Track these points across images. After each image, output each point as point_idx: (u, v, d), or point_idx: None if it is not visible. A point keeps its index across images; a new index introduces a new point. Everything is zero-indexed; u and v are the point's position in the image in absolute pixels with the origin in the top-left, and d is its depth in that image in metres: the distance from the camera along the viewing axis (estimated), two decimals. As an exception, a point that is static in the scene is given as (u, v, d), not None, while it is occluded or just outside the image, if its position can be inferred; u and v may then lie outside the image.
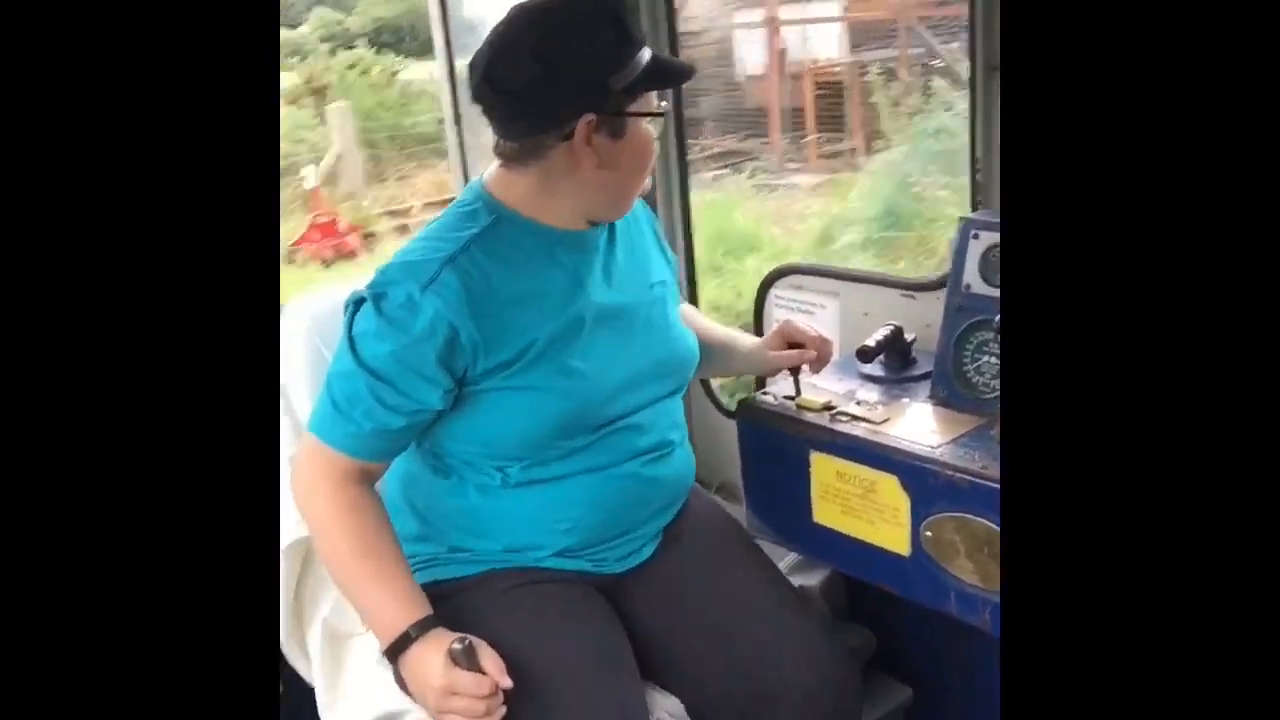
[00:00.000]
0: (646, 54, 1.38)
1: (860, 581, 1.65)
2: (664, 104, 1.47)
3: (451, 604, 1.42)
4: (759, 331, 2.06)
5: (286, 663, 1.64)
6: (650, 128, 1.43)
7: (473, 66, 1.38)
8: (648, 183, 1.49)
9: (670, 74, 1.47)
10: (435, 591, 1.42)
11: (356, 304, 1.39)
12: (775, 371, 1.73)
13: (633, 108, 1.39)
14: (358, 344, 1.36)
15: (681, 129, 2.21)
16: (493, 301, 1.37)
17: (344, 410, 1.36)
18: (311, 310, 1.67)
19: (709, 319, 1.83)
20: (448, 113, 2.14)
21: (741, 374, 1.81)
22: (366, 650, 1.57)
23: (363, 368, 1.35)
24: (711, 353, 1.69)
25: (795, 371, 1.68)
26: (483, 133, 1.49)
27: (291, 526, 1.57)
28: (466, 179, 2.14)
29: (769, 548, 1.67)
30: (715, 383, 2.26)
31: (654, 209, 2.13)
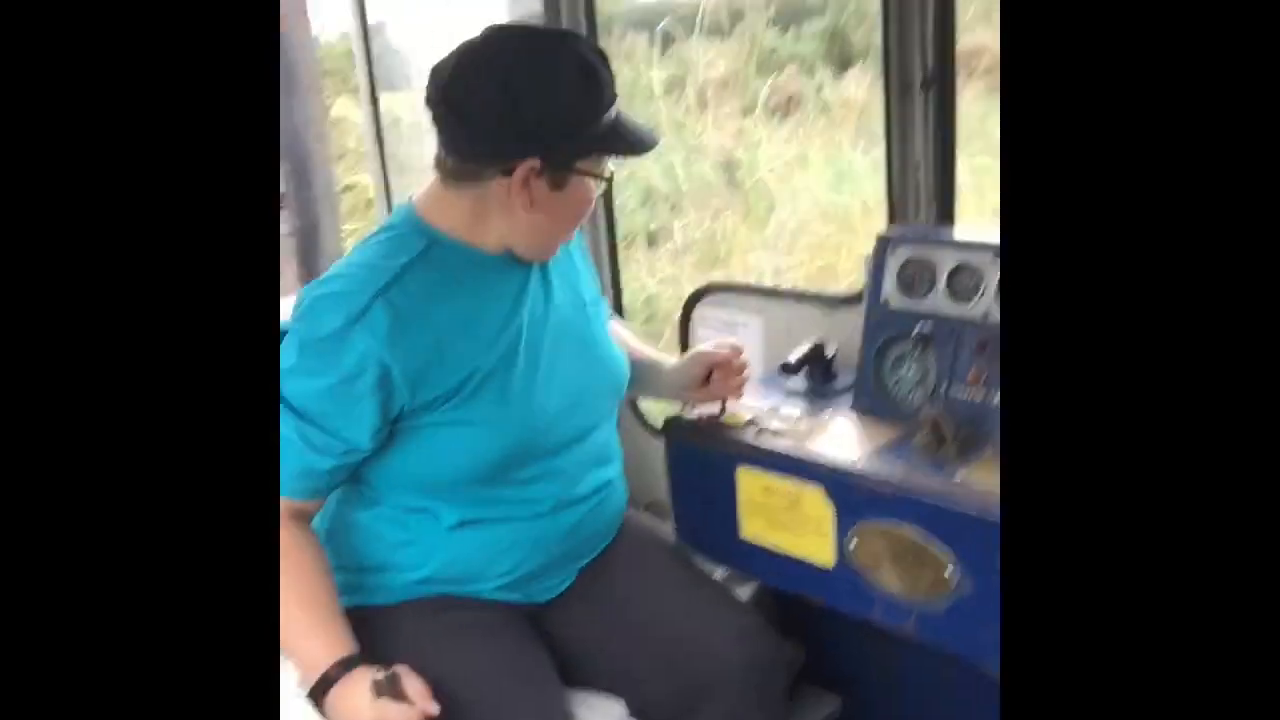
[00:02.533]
0: (613, 114, 1.34)
1: (789, 594, 1.67)
2: (610, 167, 1.42)
3: (369, 628, 1.40)
4: (685, 347, 2.08)
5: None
6: (592, 186, 1.39)
7: (435, 72, 1.33)
8: (573, 234, 1.47)
9: (633, 143, 1.38)
10: (353, 616, 1.40)
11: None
12: (699, 399, 1.73)
13: (580, 164, 1.35)
14: (282, 381, 1.31)
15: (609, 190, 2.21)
16: (428, 334, 1.33)
17: None
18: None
19: (635, 339, 1.84)
20: (369, 136, 2.12)
21: (665, 399, 1.81)
22: (286, 683, 1.54)
23: (289, 408, 1.31)
24: (638, 374, 1.69)
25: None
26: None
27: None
28: (389, 202, 2.13)
29: (700, 565, 1.68)
30: (642, 401, 2.27)
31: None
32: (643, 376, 1.73)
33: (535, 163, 1.31)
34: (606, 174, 1.40)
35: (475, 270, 1.41)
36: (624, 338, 1.76)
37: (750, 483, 1.60)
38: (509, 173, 1.33)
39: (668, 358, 1.78)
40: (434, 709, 1.27)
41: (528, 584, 1.51)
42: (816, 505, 1.52)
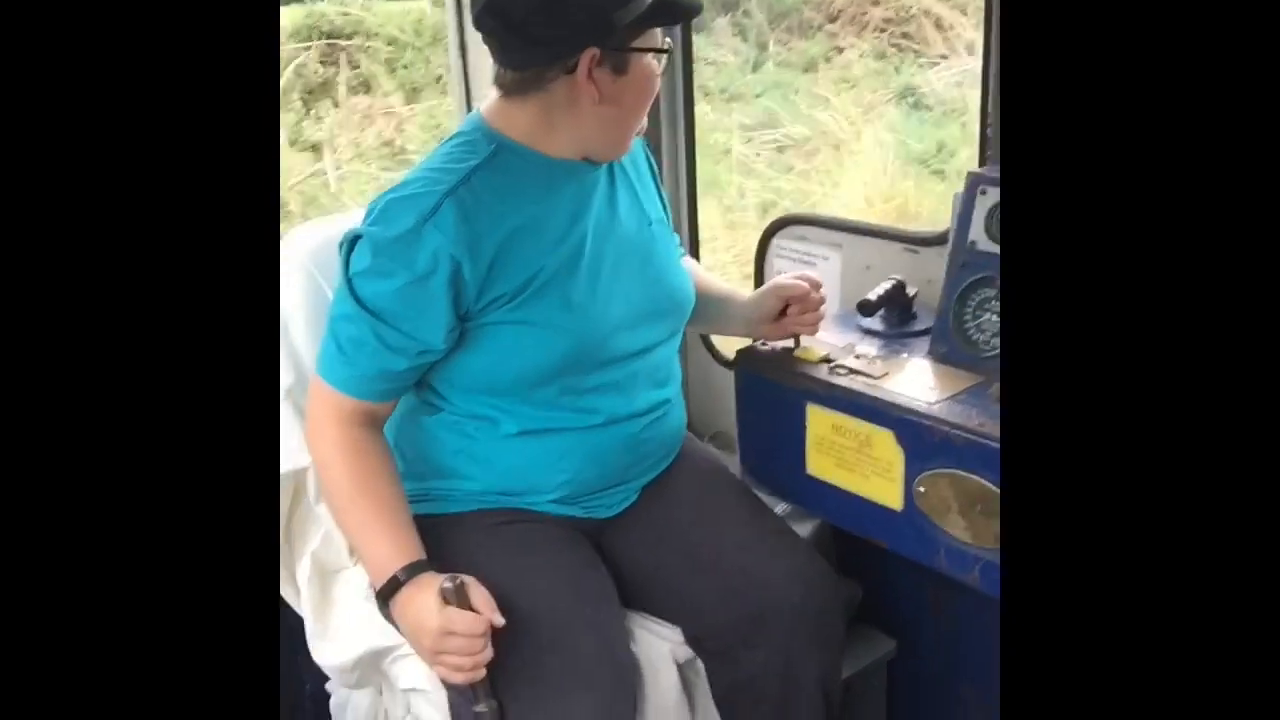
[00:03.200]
0: None
1: (849, 534, 1.66)
2: (668, 40, 1.44)
3: (437, 537, 1.42)
4: (760, 281, 2.05)
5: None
6: (654, 64, 1.40)
7: None
8: (644, 122, 1.46)
9: (678, 10, 1.42)
10: (422, 525, 1.42)
11: (352, 242, 1.36)
12: (773, 335, 1.70)
13: (637, 43, 1.36)
14: (357, 284, 1.34)
15: (689, 65, 2.16)
16: (495, 233, 1.35)
17: (348, 353, 1.35)
18: (309, 241, 1.65)
19: (707, 274, 1.82)
20: (452, 40, 2.09)
21: (736, 333, 1.79)
22: (355, 584, 1.58)
23: (364, 309, 1.33)
24: (707, 304, 1.67)
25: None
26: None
27: (279, 459, 1.57)
28: (469, 103, 2.11)
29: (762, 499, 1.67)
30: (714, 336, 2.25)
31: (656, 150, 2.11)
32: (715, 311, 1.71)
33: (594, 52, 1.32)
34: (666, 46, 1.41)
35: (542, 175, 1.42)
36: (695, 271, 1.74)
37: (820, 420, 1.58)
38: (571, 70, 1.33)
39: (741, 291, 1.76)
40: (499, 620, 1.29)
41: (586, 498, 1.52)
42: (886, 448, 1.49)
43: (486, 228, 1.34)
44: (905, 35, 6.32)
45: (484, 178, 1.37)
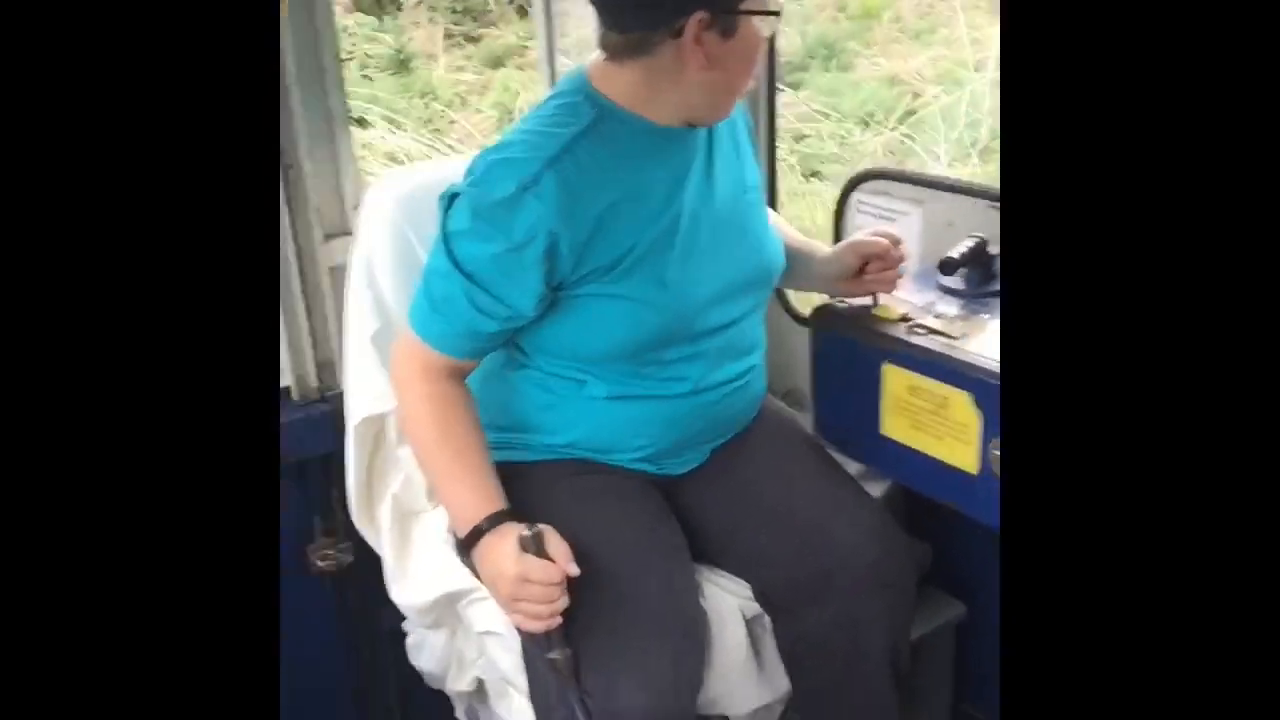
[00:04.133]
0: None
1: (922, 497, 1.65)
2: (780, 2, 1.40)
3: (516, 484, 1.45)
4: (838, 236, 2.03)
5: (357, 534, 1.70)
6: (760, 25, 1.37)
7: None
8: (751, 84, 1.44)
9: None
10: (500, 472, 1.44)
11: (451, 199, 1.37)
12: (851, 293, 1.69)
13: (746, 4, 1.32)
14: (453, 243, 1.35)
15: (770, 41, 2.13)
16: (594, 206, 1.34)
17: (440, 309, 1.37)
18: (395, 190, 1.67)
19: (788, 226, 1.80)
20: (539, 12, 2.06)
21: (815, 289, 1.78)
22: (433, 527, 1.62)
23: (459, 269, 1.34)
24: (789, 263, 1.66)
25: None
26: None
27: (363, 404, 1.61)
28: (552, 66, 2.10)
29: (833, 457, 1.67)
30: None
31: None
32: (794, 267, 1.70)
33: (703, 15, 1.29)
34: (776, 8, 1.37)
35: (644, 144, 1.40)
36: (776, 223, 1.72)
37: (896, 380, 1.56)
38: (678, 34, 1.30)
39: (821, 246, 1.74)
40: (574, 570, 1.31)
41: (663, 459, 1.54)
42: (964, 411, 1.48)
43: (586, 201, 1.33)
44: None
45: (586, 146, 1.35)
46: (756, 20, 1.35)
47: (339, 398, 1.71)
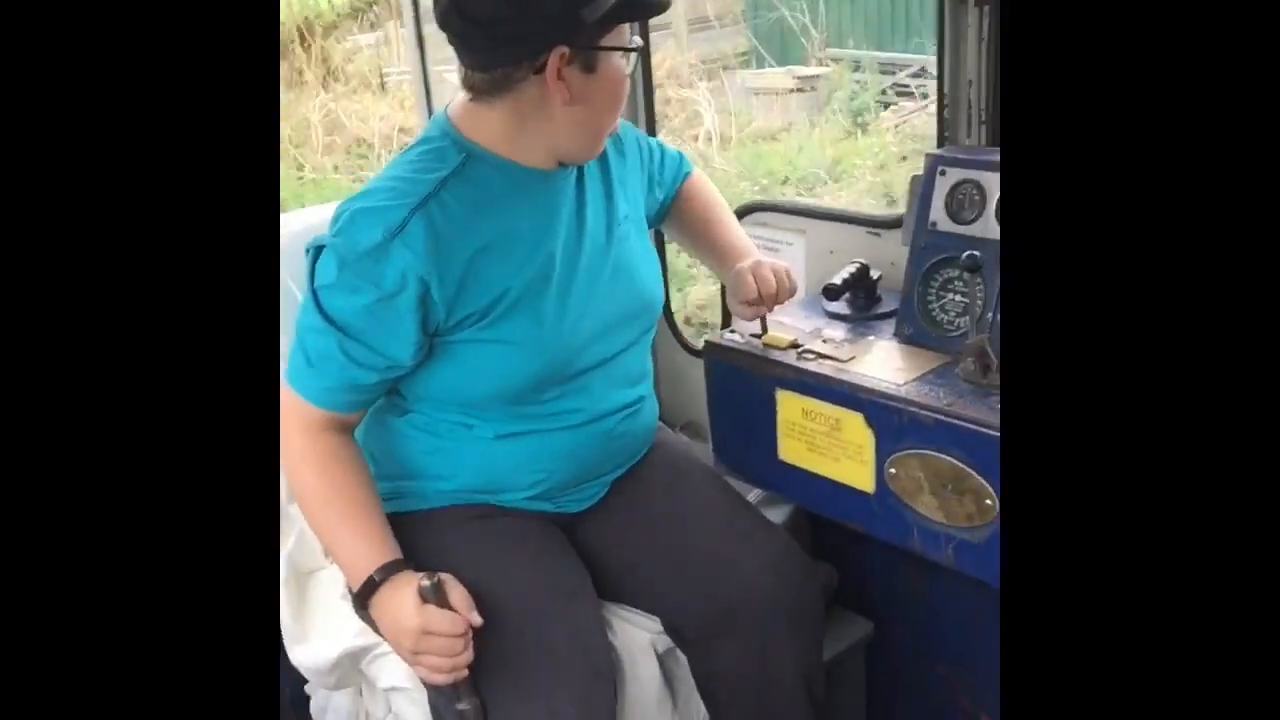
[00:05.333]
0: None
1: (824, 519, 1.67)
2: (637, 39, 1.42)
3: (410, 535, 1.42)
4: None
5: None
6: (623, 63, 1.38)
7: None
8: (618, 122, 1.45)
9: (645, 6, 1.40)
10: (393, 523, 1.41)
11: (317, 251, 1.34)
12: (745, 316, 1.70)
13: (605, 40, 1.34)
14: (323, 297, 1.32)
15: (648, 65, 2.16)
16: (464, 250, 1.33)
17: (315, 365, 1.34)
18: (309, 222, 1.62)
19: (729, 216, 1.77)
20: (410, 37, 2.06)
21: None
22: (331, 584, 1.57)
23: (331, 323, 1.31)
24: (710, 254, 1.69)
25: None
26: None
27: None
28: (430, 111, 2.09)
29: (736, 487, 1.68)
30: (680, 321, 2.25)
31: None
32: (711, 260, 1.72)
33: (563, 50, 1.30)
34: (635, 44, 1.39)
35: (512, 187, 1.39)
36: (717, 214, 1.73)
37: (790, 405, 1.59)
38: (540, 70, 1.31)
39: (726, 254, 1.68)
40: (477, 620, 1.29)
41: (558, 495, 1.53)
42: (857, 431, 1.50)
43: (456, 246, 1.32)
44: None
45: (454, 190, 1.34)
46: (618, 57, 1.36)
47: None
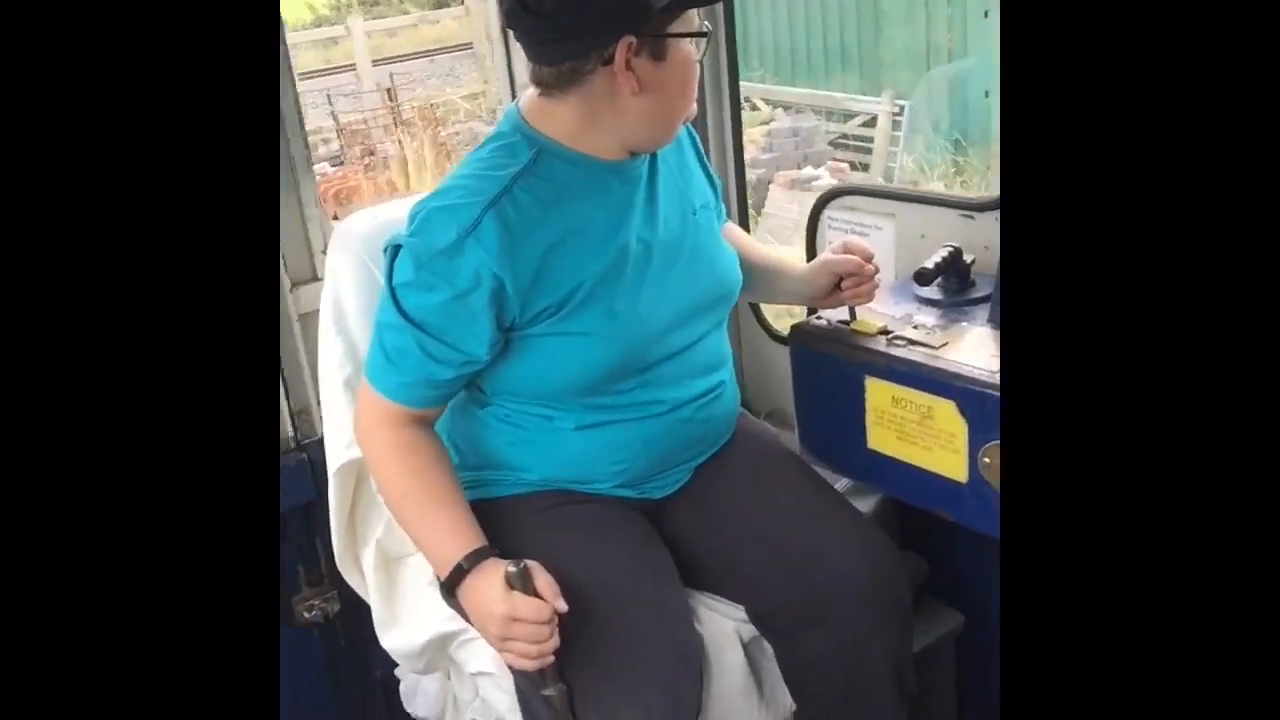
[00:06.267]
0: None
1: (913, 508, 1.64)
2: (706, 23, 1.40)
3: (496, 522, 1.42)
4: (812, 253, 2.02)
5: (343, 581, 1.66)
6: (692, 48, 1.36)
7: None
8: (694, 109, 1.44)
9: None
10: (478, 511, 1.42)
11: (395, 250, 1.35)
12: (828, 307, 1.68)
13: (673, 27, 1.32)
14: (400, 295, 1.33)
15: (733, 48, 2.14)
16: (536, 246, 1.33)
17: (395, 361, 1.36)
18: (361, 229, 1.65)
19: (757, 244, 1.79)
20: (494, 29, 2.07)
21: (789, 303, 1.76)
22: (420, 571, 1.59)
23: (409, 321, 1.33)
24: (757, 278, 1.65)
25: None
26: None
27: (340, 450, 1.58)
28: (514, 92, 2.10)
29: (820, 475, 1.65)
30: (766, 307, 2.22)
31: (703, 134, 2.08)
32: (765, 283, 1.69)
33: (630, 40, 1.29)
34: (704, 29, 1.37)
35: (583, 179, 1.39)
36: (743, 241, 1.72)
37: (879, 393, 1.55)
38: (608, 61, 1.30)
39: (792, 263, 1.74)
40: (563, 606, 1.29)
41: (641, 482, 1.52)
42: (949, 419, 1.47)
43: (529, 241, 1.32)
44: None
45: (526, 185, 1.34)
46: (687, 43, 1.35)
47: (316, 445, 1.68)
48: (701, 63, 1.40)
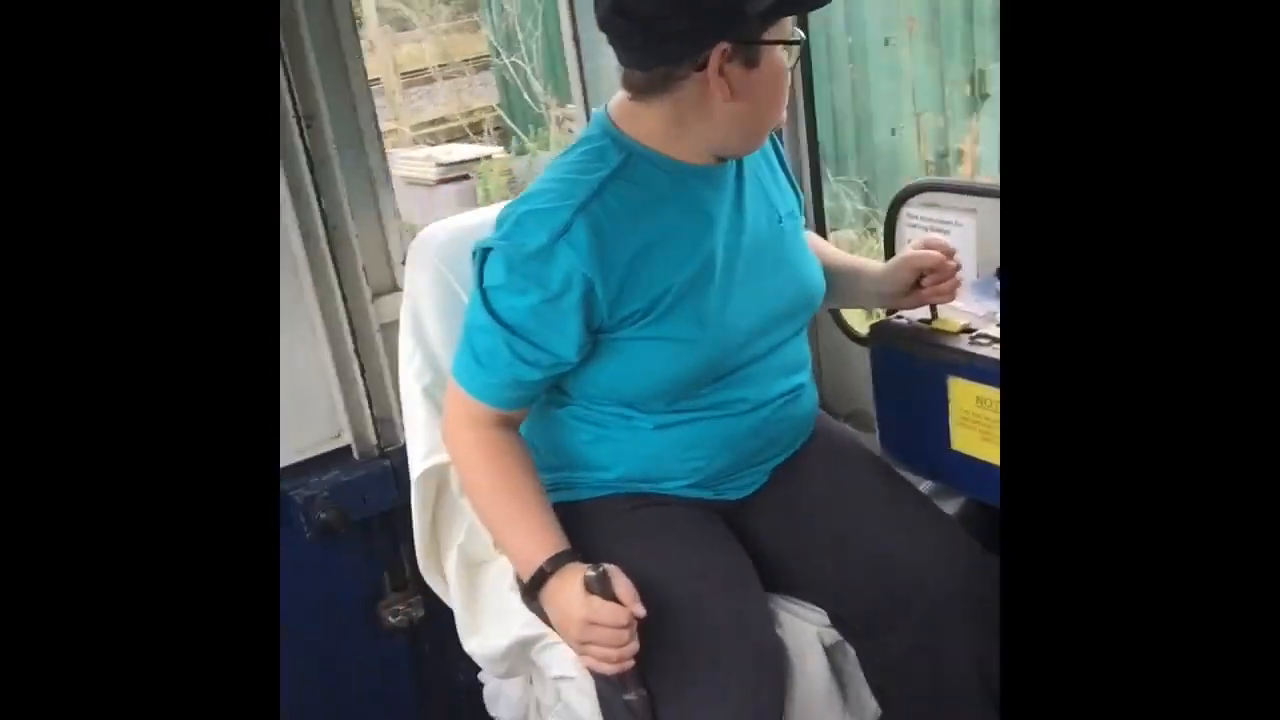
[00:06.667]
0: None
1: (999, 511, 1.59)
2: (799, 31, 1.39)
3: (575, 525, 1.43)
4: (890, 251, 1.99)
5: (427, 587, 1.69)
6: (785, 56, 1.36)
7: None
8: (783, 116, 1.43)
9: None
10: (557, 513, 1.42)
11: (485, 253, 1.37)
12: (908, 306, 1.66)
13: (768, 35, 1.32)
14: (491, 297, 1.35)
15: (808, 54, 2.11)
16: (626, 250, 1.33)
17: (483, 362, 1.37)
18: (438, 239, 1.68)
19: (832, 247, 1.77)
20: (566, 33, 2.08)
21: (869, 306, 1.74)
22: (501, 576, 1.60)
23: (499, 322, 1.34)
24: (837, 281, 1.63)
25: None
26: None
27: (421, 457, 1.60)
28: (587, 105, 2.11)
29: (902, 477, 1.62)
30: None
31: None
32: (845, 286, 1.67)
33: (725, 46, 1.28)
34: (798, 37, 1.37)
35: (672, 184, 1.39)
36: (820, 246, 1.70)
37: (963, 393, 1.52)
38: (701, 67, 1.30)
39: (871, 263, 1.71)
40: (641, 611, 1.29)
41: (718, 483, 1.51)
42: (1035, 418, 1.43)
43: (618, 245, 1.33)
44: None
45: (615, 189, 1.35)
46: (780, 50, 1.34)
47: (399, 453, 1.71)
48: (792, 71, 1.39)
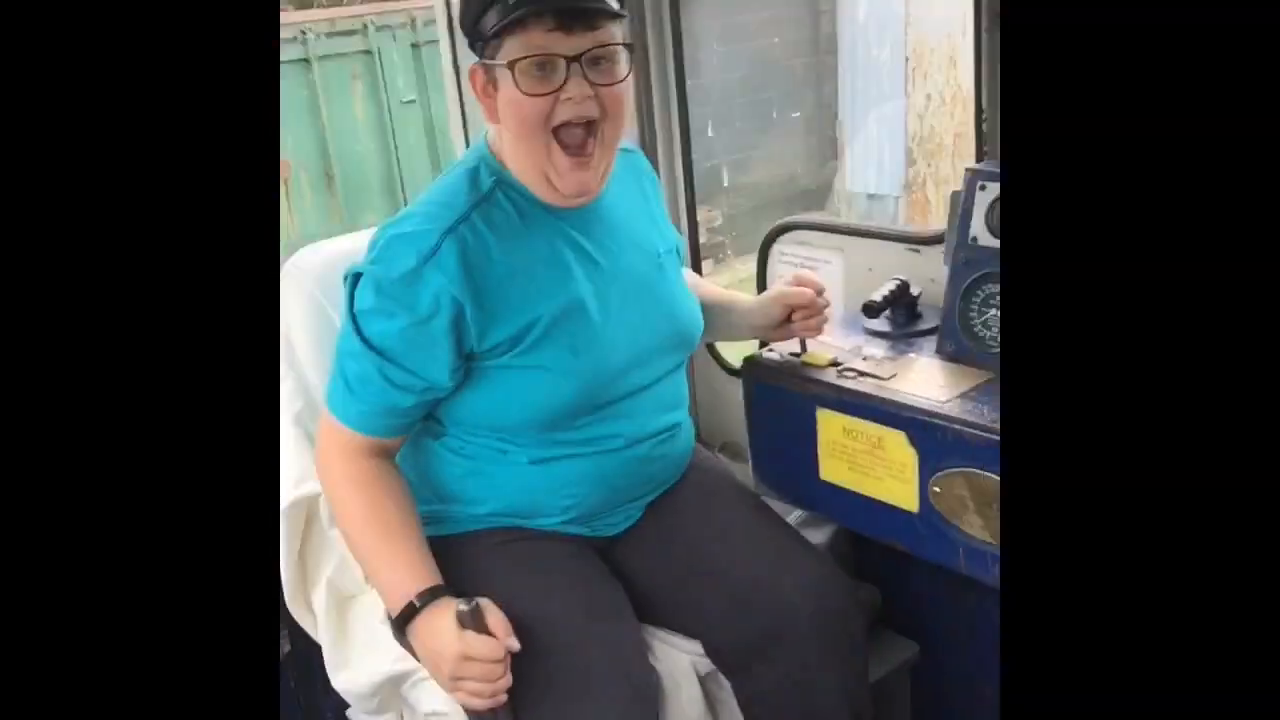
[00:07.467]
0: None
1: (866, 539, 1.65)
2: (528, 57, 1.27)
3: (446, 558, 1.41)
4: (762, 285, 2.05)
5: (293, 620, 1.64)
6: (518, 79, 1.28)
7: None
8: (560, 161, 1.32)
9: (532, 14, 1.24)
10: (430, 546, 1.41)
11: (355, 278, 1.35)
12: (778, 339, 1.70)
13: (501, 55, 1.28)
14: (362, 322, 1.33)
15: (683, 90, 2.14)
16: (493, 274, 1.33)
17: (355, 389, 1.35)
18: (312, 263, 1.65)
19: (706, 282, 1.81)
20: (445, 59, 2.03)
21: (740, 338, 1.78)
22: (371, 610, 1.57)
23: (370, 348, 1.32)
24: (710, 315, 1.66)
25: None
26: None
27: (291, 487, 1.56)
28: (467, 135, 2.10)
29: (776, 507, 1.66)
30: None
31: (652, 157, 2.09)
32: (717, 319, 1.70)
33: (475, 65, 1.31)
34: (513, 61, 1.27)
35: (537, 216, 1.39)
36: (694, 281, 1.73)
37: (831, 425, 1.57)
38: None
39: (742, 297, 1.75)
40: (515, 645, 1.28)
41: (593, 519, 1.52)
42: (899, 450, 1.48)
43: (485, 270, 1.32)
44: None
45: (484, 214, 1.34)
46: (513, 78, 1.28)
47: (266, 483, 1.66)
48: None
